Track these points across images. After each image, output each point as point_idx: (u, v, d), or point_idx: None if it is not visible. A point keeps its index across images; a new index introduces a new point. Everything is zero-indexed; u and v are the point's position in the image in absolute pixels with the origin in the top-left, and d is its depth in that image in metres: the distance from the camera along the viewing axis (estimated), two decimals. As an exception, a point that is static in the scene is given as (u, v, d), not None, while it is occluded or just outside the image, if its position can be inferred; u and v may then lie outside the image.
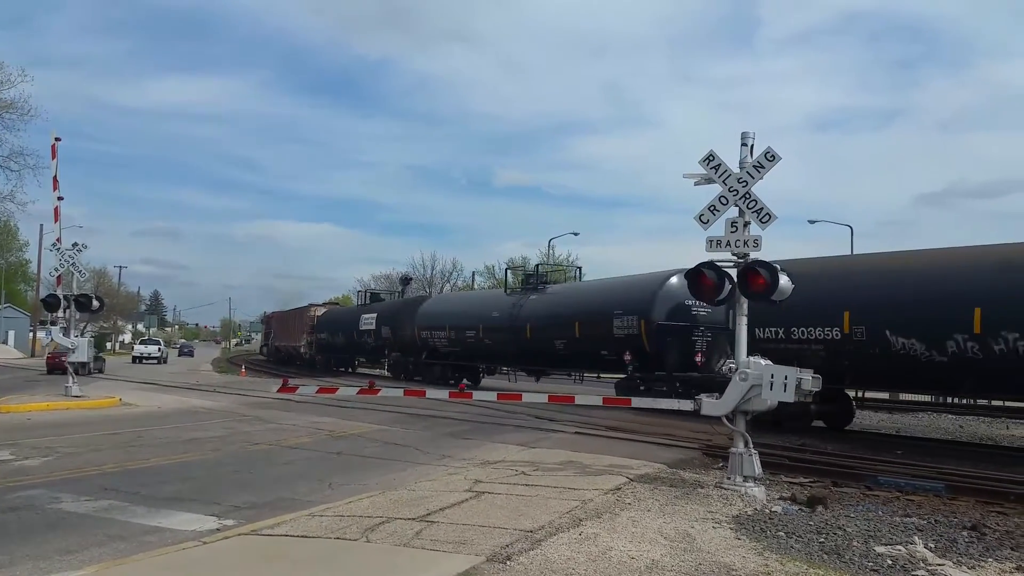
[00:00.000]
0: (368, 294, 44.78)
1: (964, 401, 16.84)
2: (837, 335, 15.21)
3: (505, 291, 30.15)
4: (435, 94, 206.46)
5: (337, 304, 50.46)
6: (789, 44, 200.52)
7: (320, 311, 46.31)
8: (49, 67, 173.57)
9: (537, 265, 32.79)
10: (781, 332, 16.36)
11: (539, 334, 25.60)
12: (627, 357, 21.55)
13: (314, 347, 44.41)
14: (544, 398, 12.56)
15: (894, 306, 14.40)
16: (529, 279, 29.19)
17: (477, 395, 13.57)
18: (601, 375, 26.55)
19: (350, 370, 42.28)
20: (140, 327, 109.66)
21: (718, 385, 19.40)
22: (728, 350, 18.45)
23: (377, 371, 39.82)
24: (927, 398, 20.49)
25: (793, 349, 15.95)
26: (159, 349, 53.90)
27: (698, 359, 20.14)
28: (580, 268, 38.71)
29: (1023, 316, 12.80)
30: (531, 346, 26.08)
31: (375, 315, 37.21)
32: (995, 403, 15.15)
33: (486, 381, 31.48)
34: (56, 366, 30.97)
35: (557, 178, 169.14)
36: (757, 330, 15.87)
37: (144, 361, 49.96)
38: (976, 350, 13.32)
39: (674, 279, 20.92)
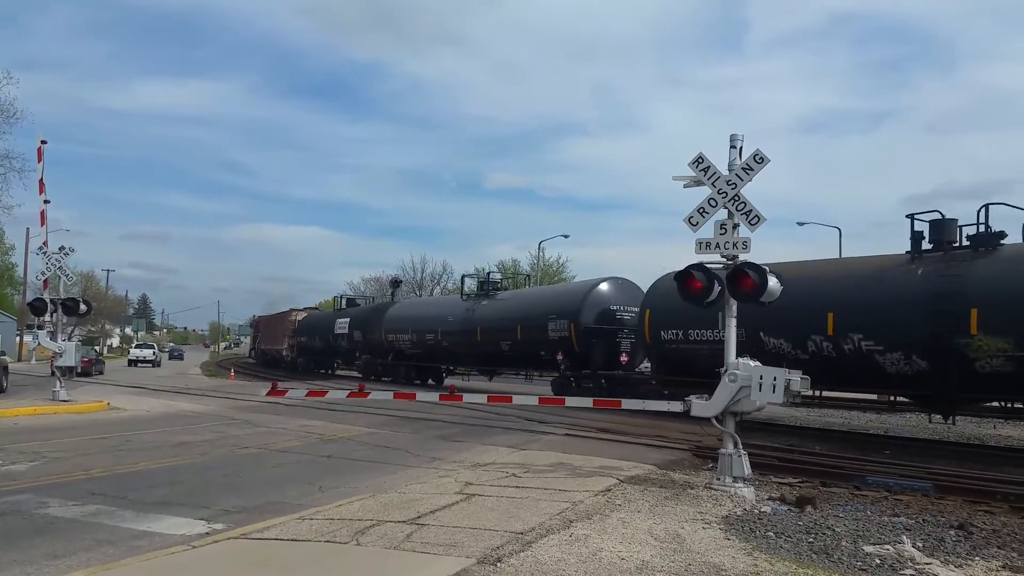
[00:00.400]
0: (344, 300, 46.55)
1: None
2: (719, 336, 15.55)
3: (461, 297, 32.17)
4: (426, 97, 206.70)
5: (317, 309, 52.06)
6: (777, 47, 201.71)
7: (300, 315, 48.21)
8: (35, 69, 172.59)
9: (488, 273, 35.32)
10: (680, 333, 18.48)
11: (488, 336, 28.20)
12: (559, 357, 24.03)
13: (295, 350, 46.72)
14: (535, 400, 12.58)
15: (766, 311, 15.00)
16: (483, 286, 31.40)
17: (467, 397, 13.58)
18: (542, 373, 29.05)
19: (329, 372, 44.03)
20: (128, 331, 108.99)
21: (635, 382, 21.60)
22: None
23: (353, 372, 41.00)
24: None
25: (689, 349, 18.35)
26: (153, 353, 56.59)
27: (623, 359, 22.28)
28: (529, 276, 45.97)
29: (866, 320, 14.84)
30: (482, 348, 28.76)
31: (348, 320, 39.73)
32: (987, 405, 15.56)
33: (447, 380, 33.76)
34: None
35: (549, 180, 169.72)
36: (663, 332, 19.29)
37: (139, 364, 51.76)
38: (830, 349, 15.49)
39: (603, 286, 24.40)
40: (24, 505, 7.63)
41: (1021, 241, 14.18)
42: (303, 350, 45.58)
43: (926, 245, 14.87)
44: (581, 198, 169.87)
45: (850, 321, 15.08)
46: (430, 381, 33.56)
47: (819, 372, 14.57)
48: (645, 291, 21.68)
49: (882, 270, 15.33)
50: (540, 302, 27.14)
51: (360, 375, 37.88)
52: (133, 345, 68.04)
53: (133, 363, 52.59)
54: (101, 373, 37.05)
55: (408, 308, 37.43)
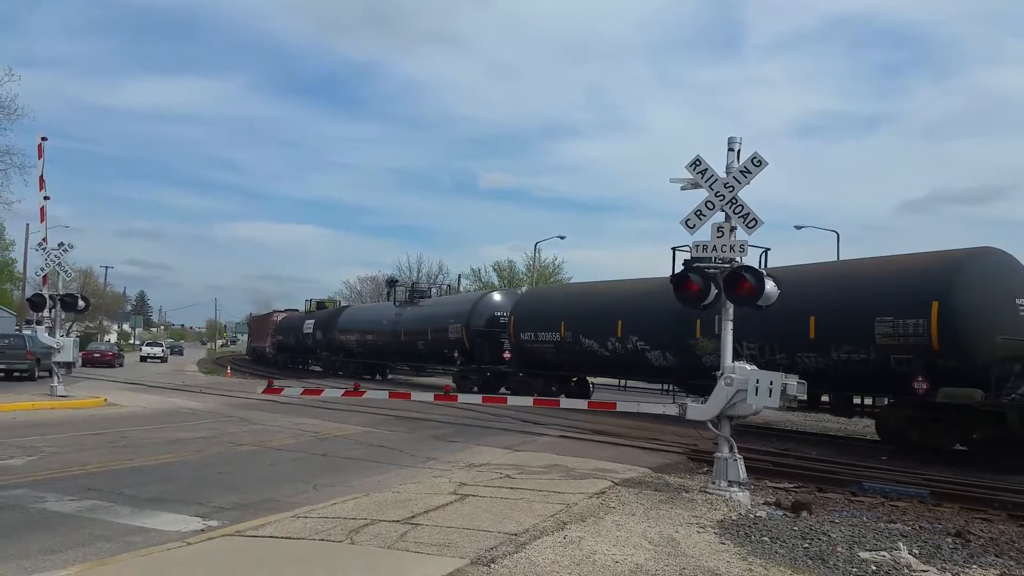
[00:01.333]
0: (315, 303, 51.91)
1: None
2: (558, 338, 22.48)
3: (393, 303, 37.64)
4: (419, 97, 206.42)
5: (297, 311, 55.23)
6: (774, 49, 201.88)
7: (280, 316, 52.93)
8: (31, 67, 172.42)
9: (413, 283, 42.77)
10: (533, 335, 23.65)
11: (409, 337, 33.41)
12: (456, 355, 29.21)
13: (275, 347, 51.26)
14: (530, 401, 12.57)
15: (585, 318, 21.89)
16: (412, 295, 36.58)
17: (462, 398, 13.59)
18: (447, 369, 33.40)
19: (301, 367, 48.41)
20: (126, 327, 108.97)
21: (508, 374, 26.01)
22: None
23: (318, 368, 45.57)
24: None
25: (538, 347, 23.52)
26: (163, 349, 63.77)
27: (506, 355, 25.54)
28: (450, 285, 52.92)
29: (643, 326, 19.55)
30: (405, 347, 34.28)
31: (313, 321, 44.71)
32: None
33: (389, 376, 40.32)
34: (90, 361, 40.42)
35: (544, 181, 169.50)
36: (522, 333, 24.19)
37: (150, 360, 57.67)
38: (620, 347, 20.34)
39: (494, 295, 31.31)
40: (21, 500, 7.64)
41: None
42: (281, 348, 50.45)
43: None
44: (576, 199, 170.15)
45: (632, 327, 20.02)
46: (377, 376, 39.28)
47: (613, 366, 21.85)
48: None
49: (653, 289, 18.72)
50: (445, 308, 32.25)
51: (321, 370, 43.57)
52: (145, 343, 76.51)
53: (144, 359, 58.15)
54: (121, 366, 43.36)
55: (356, 313, 43.03)
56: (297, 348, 47.90)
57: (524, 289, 40.86)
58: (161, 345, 66.68)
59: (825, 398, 16.76)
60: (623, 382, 23.24)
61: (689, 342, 17.84)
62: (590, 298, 22.98)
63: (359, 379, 33.47)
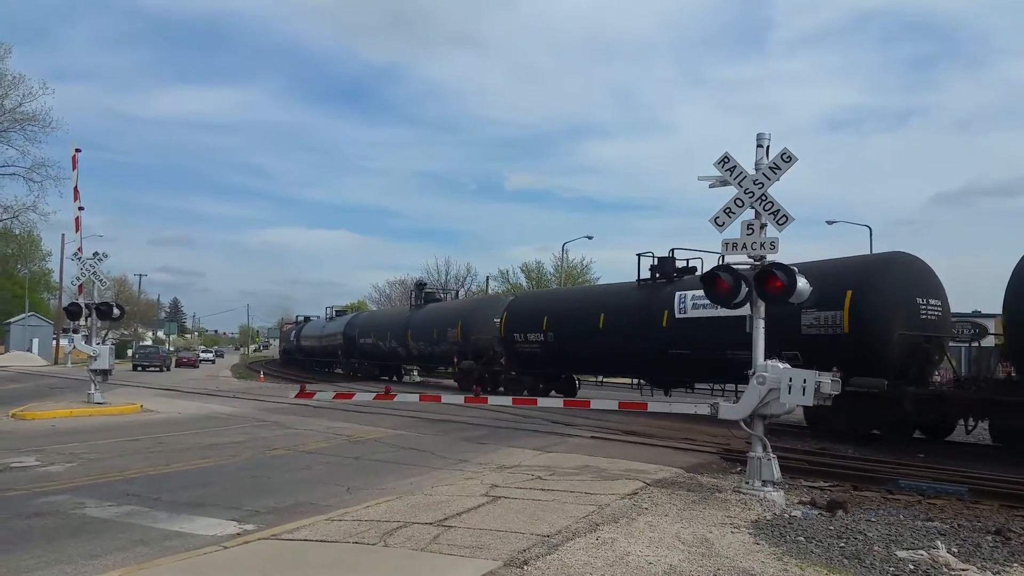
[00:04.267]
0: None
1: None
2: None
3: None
4: (443, 100, 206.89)
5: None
6: (801, 45, 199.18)
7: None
8: (65, 79, 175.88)
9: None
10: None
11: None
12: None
13: (303, 353, 55.06)
14: (559, 403, 12.56)
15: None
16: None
17: (492, 400, 13.61)
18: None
19: (326, 370, 50.05)
20: (160, 334, 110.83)
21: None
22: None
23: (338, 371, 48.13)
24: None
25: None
26: (213, 354, 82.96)
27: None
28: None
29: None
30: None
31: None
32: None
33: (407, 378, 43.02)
34: (179, 364, 57.55)
35: (569, 182, 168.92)
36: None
37: (204, 362, 70.15)
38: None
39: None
40: (62, 506, 7.80)
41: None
42: (307, 352, 54.28)
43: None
44: (602, 199, 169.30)
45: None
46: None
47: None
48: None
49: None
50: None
51: (342, 372, 45.95)
52: (202, 350, 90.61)
53: (202, 361, 69.38)
54: (168, 369, 50.53)
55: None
56: (321, 352, 50.48)
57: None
58: (211, 351, 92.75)
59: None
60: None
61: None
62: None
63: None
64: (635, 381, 22.91)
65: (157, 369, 47.95)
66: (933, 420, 14.95)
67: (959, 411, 14.29)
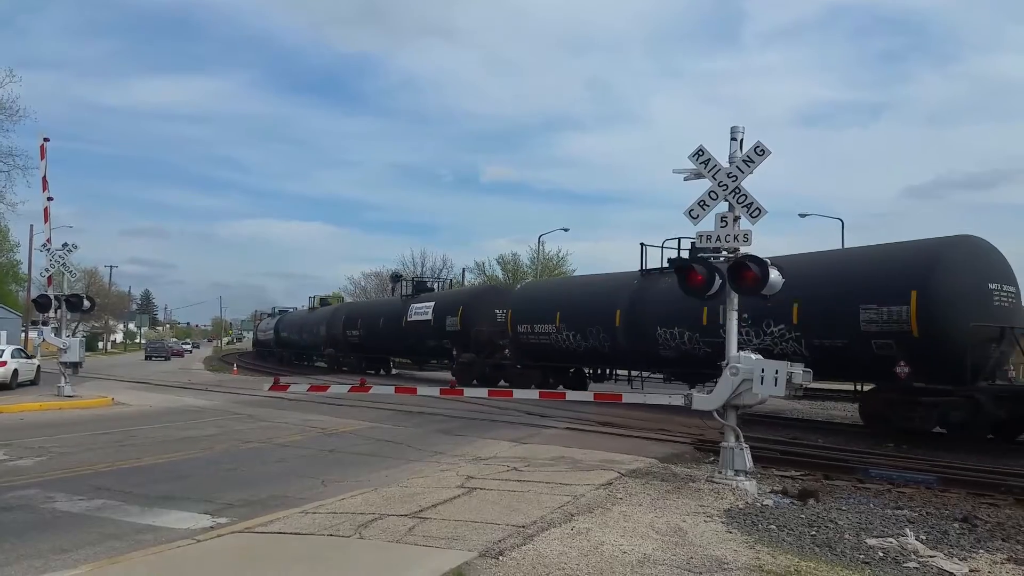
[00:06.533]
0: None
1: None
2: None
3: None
4: (418, 92, 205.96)
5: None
6: (775, 38, 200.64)
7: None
8: (33, 68, 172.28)
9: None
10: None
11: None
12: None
13: (281, 345, 53.18)
14: (535, 394, 12.59)
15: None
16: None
17: (468, 392, 13.60)
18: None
19: (306, 363, 49.26)
20: (131, 327, 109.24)
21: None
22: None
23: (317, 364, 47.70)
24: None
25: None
26: (190, 346, 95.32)
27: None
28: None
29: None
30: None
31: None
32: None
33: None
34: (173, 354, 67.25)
35: (545, 174, 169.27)
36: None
37: (186, 354, 78.23)
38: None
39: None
40: (31, 500, 7.68)
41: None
42: (286, 345, 52.56)
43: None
44: (578, 192, 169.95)
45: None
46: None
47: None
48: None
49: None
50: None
51: (325, 366, 43.83)
52: (181, 342, 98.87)
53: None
54: (167, 359, 60.72)
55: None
56: (302, 345, 48.79)
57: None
58: (189, 342, 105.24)
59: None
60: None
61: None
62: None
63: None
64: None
65: (164, 359, 60.78)
66: (1006, 418, 13.67)
67: None
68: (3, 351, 23.30)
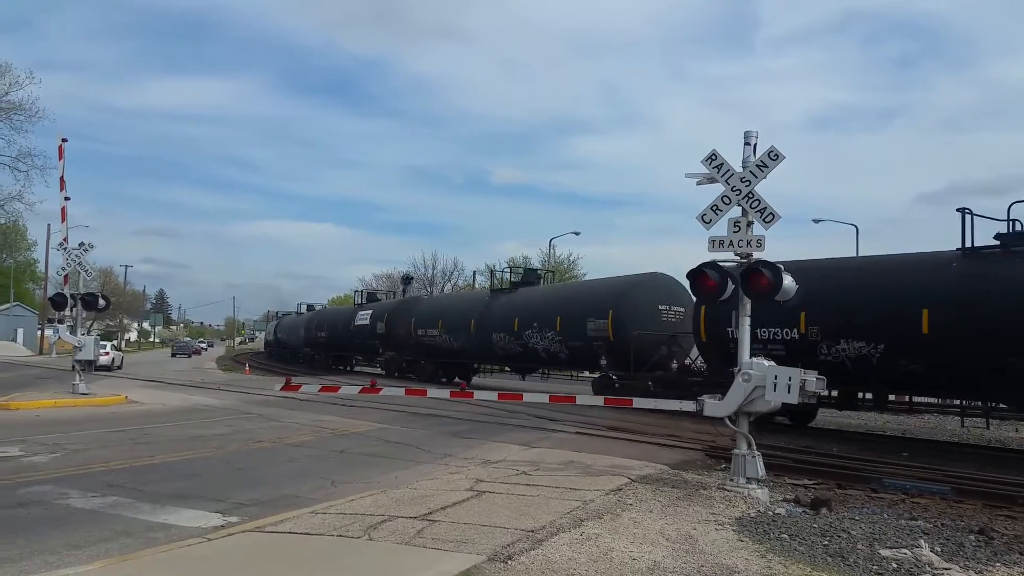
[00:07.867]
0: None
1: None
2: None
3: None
4: (429, 93, 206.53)
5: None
6: (788, 43, 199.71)
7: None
8: (50, 70, 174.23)
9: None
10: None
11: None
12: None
13: (312, 345, 53.59)
14: (546, 398, 12.56)
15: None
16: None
17: (478, 395, 13.58)
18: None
19: (344, 368, 48.59)
20: (146, 326, 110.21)
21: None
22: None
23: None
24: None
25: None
26: (207, 344, 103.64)
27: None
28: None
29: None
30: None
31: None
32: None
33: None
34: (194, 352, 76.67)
35: (555, 177, 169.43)
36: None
37: (203, 351, 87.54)
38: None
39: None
40: (45, 496, 7.75)
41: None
42: (316, 345, 52.87)
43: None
44: (589, 195, 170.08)
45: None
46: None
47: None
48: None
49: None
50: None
51: (384, 372, 40.61)
52: (197, 341, 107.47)
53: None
54: (189, 356, 68.71)
55: (440, 302, 41.55)
56: (291, 344, 50.87)
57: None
58: (204, 341, 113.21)
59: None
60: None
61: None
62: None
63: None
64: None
65: (187, 356, 69.40)
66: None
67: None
68: (107, 345, 35.55)
